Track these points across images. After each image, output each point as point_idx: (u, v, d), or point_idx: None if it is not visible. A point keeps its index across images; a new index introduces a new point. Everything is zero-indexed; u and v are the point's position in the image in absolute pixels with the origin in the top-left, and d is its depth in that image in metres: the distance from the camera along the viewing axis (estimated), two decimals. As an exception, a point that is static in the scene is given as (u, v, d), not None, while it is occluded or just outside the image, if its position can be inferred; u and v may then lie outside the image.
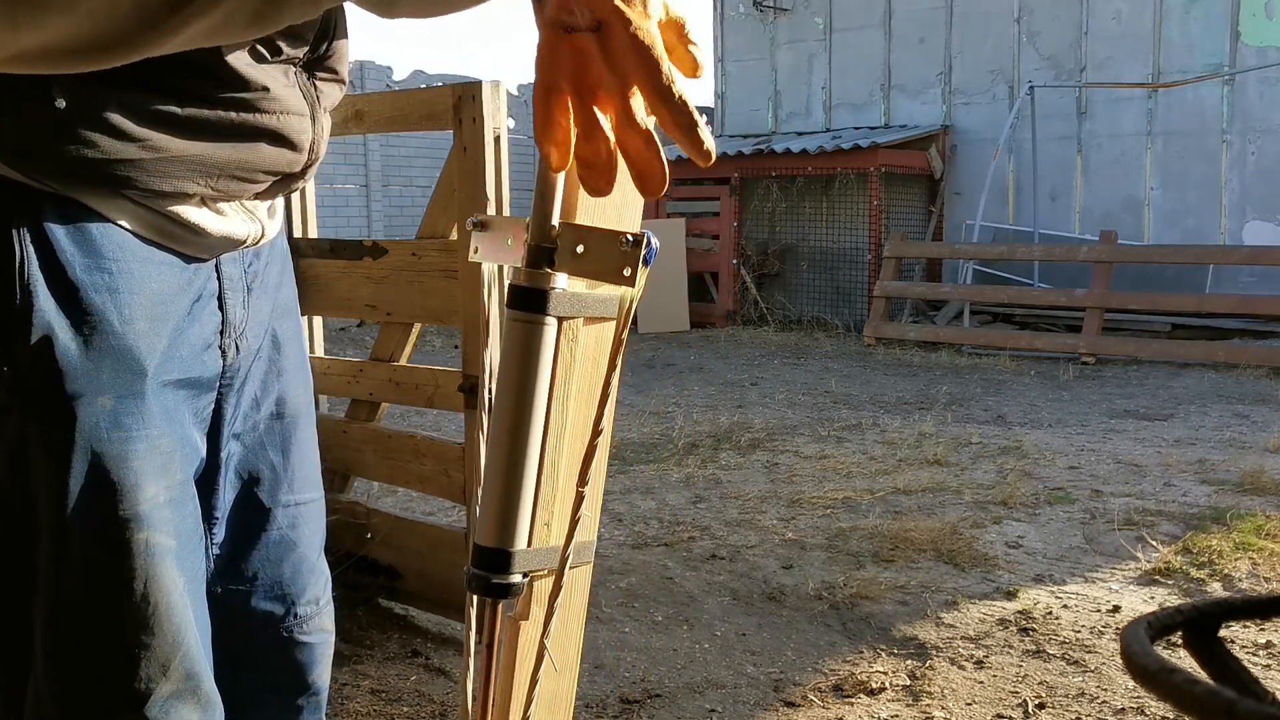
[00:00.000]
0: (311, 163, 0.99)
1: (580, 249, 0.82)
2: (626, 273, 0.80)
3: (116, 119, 0.82)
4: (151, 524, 0.89)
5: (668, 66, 0.70)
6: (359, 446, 2.91)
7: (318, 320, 3.01)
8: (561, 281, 0.84)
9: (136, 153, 0.84)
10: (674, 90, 0.70)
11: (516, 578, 0.86)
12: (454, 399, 2.64)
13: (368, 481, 3.58)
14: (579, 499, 0.84)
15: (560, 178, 0.84)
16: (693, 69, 0.75)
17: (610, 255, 0.81)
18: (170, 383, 0.91)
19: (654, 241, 0.79)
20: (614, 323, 0.89)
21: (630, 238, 0.80)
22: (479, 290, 2.50)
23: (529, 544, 0.86)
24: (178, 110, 0.85)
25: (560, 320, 0.85)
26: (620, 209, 0.87)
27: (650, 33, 0.70)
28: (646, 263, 0.79)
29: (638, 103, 0.71)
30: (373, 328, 9.16)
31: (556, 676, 0.94)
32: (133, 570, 0.88)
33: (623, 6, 0.70)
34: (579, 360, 0.90)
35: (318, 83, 0.97)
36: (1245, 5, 9.01)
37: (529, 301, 0.84)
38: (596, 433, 0.83)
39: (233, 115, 0.88)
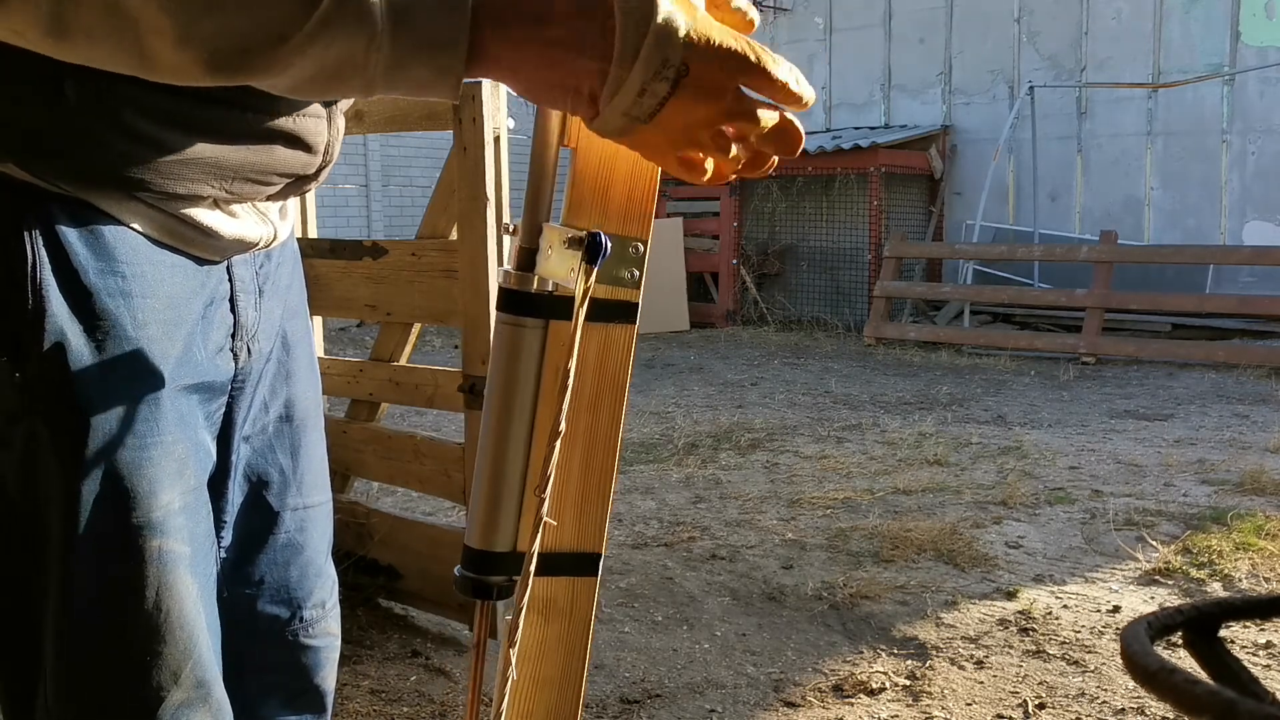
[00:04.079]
0: (325, 164, 0.98)
1: (550, 250, 0.82)
2: (571, 273, 0.79)
3: (131, 119, 0.81)
4: (165, 531, 0.88)
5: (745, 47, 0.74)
6: (359, 446, 2.91)
7: (318, 320, 3.01)
8: (553, 283, 0.83)
9: (151, 155, 0.83)
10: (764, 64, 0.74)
11: (502, 579, 0.86)
12: (454, 399, 2.64)
13: (368, 481, 3.58)
14: (539, 504, 0.82)
15: (549, 179, 0.83)
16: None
17: (565, 256, 0.80)
18: (184, 388, 0.90)
19: (603, 240, 0.78)
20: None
21: (571, 237, 0.79)
22: (479, 290, 2.50)
23: (532, 548, 0.85)
24: (194, 112, 0.84)
25: (548, 323, 0.84)
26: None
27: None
28: (592, 262, 0.78)
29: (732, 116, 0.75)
30: (373, 328, 9.15)
31: (558, 689, 0.92)
32: (145, 578, 0.87)
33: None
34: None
35: None
36: (1245, 5, 9.00)
37: (514, 304, 0.83)
38: (555, 435, 0.81)
39: (249, 117, 0.87)
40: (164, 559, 0.88)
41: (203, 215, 0.90)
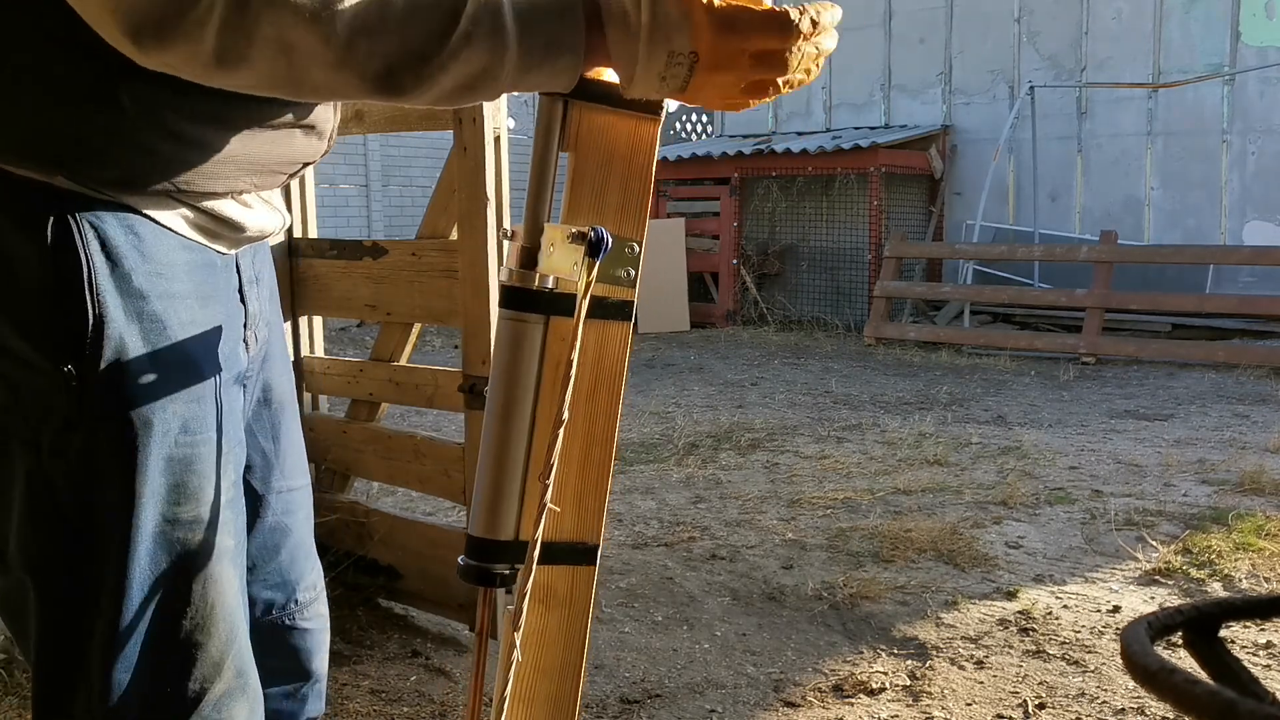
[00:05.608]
0: (327, 150, 1.01)
1: (552, 247, 0.85)
2: (575, 267, 0.82)
3: (174, 122, 0.83)
4: (214, 525, 0.90)
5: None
6: (359, 446, 2.91)
7: (318, 320, 3.01)
8: (553, 281, 0.87)
9: (193, 155, 0.85)
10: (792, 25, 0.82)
11: (503, 567, 0.89)
12: (454, 399, 2.64)
13: (368, 481, 3.58)
14: (543, 491, 0.85)
15: (549, 181, 0.86)
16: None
17: (567, 252, 0.83)
18: (227, 381, 0.93)
19: (605, 235, 0.82)
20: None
21: (574, 233, 0.82)
22: (479, 290, 2.50)
23: (536, 533, 0.87)
24: (224, 109, 0.86)
25: (549, 319, 0.87)
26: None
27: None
28: (595, 256, 0.81)
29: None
30: (373, 328, 9.15)
31: (559, 677, 0.94)
32: (195, 572, 0.89)
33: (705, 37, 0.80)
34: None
35: None
36: (1245, 5, 9.00)
37: (516, 301, 0.87)
38: (559, 422, 0.84)
39: (273, 108, 0.89)
40: (212, 552, 0.90)
41: (232, 210, 0.92)
